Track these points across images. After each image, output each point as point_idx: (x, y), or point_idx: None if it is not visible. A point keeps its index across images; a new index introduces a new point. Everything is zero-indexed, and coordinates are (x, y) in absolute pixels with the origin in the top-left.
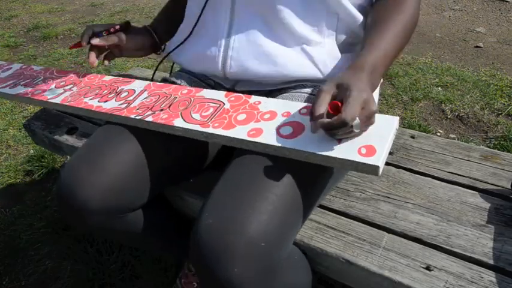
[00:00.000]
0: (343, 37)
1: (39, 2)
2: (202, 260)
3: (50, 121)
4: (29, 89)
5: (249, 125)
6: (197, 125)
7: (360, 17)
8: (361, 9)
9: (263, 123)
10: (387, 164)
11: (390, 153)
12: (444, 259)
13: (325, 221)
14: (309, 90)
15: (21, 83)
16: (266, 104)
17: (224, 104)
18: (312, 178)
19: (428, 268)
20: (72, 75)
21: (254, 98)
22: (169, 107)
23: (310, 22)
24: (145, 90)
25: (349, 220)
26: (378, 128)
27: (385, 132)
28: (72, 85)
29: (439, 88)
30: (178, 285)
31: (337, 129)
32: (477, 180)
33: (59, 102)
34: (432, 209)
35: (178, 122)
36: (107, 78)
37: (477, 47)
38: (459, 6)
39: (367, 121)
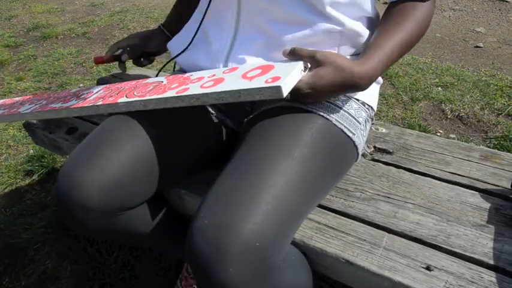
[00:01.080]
0: (345, 50)
1: (39, 2)
2: (198, 260)
3: (50, 121)
4: (6, 111)
5: (179, 88)
6: (137, 98)
7: (364, 32)
8: (367, 21)
9: (191, 84)
10: (387, 164)
11: (390, 153)
12: (444, 259)
13: (325, 221)
14: None
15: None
16: (197, 74)
17: (162, 82)
18: (310, 178)
19: (428, 268)
20: (45, 96)
21: (188, 74)
22: (117, 93)
23: (312, 42)
24: (102, 89)
25: (349, 220)
26: (284, 67)
27: (290, 68)
28: (43, 100)
29: (439, 88)
30: (179, 287)
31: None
32: (477, 180)
33: (28, 112)
34: (432, 209)
35: (122, 100)
36: (73, 90)
37: (477, 47)
38: (459, 6)
39: (302, 93)
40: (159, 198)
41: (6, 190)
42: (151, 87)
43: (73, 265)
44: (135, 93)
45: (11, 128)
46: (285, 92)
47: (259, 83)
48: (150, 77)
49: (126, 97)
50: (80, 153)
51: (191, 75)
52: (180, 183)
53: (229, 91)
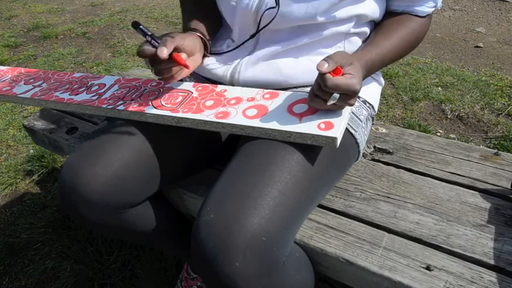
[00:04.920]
0: (350, 48)
1: (39, 2)
2: (203, 254)
3: (50, 121)
4: None
5: (217, 109)
6: (167, 111)
7: (367, 34)
8: (370, 25)
9: (229, 107)
10: (387, 164)
11: (390, 153)
12: (444, 259)
13: (325, 221)
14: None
15: None
16: (231, 91)
17: (192, 92)
18: (314, 175)
19: (428, 268)
20: (40, 73)
21: (220, 87)
22: (139, 97)
23: (323, 45)
24: (116, 83)
25: (349, 220)
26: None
27: (340, 112)
28: (41, 81)
29: (439, 88)
30: (179, 287)
31: (319, 85)
32: (477, 180)
33: (28, 97)
34: (432, 209)
35: (149, 109)
36: (77, 74)
37: (477, 47)
38: (459, 6)
39: (339, 106)
40: (161, 198)
41: (6, 190)
42: (181, 97)
43: (73, 265)
44: (162, 103)
45: (11, 128)
46: (339, 143)
47: (312, 127)
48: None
49: (153, 106)
50: (83, 150)
51: (225, 90)
52: (180, 183)
53: (279, 130)
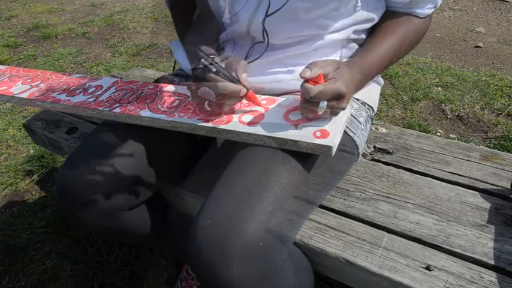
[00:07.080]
0: (348, 55)
1: (39, 2)
2: (201, 260)
3: (50, 121)
4: None
5: (211, 113)
6: (164, 115)
7: (363, 38)
8: (366, 31)
9: (226, 112)
10: (387, 164)
11: (390, 153)
12: (444, 259)
13: (325, 221)
14: None
15: None
16: None
17: (189, 97)
18: (312, 178)
19: (428, 268)
20: (39, 73)
21: None
22: (136, 100)
23: (320, 53)
24: (113, 86)
25: (349, 220)
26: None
27: (338, 118)
28: (39, 82)
29: (439, 88)
30: (179, 287)
31: (304, 96)
32: (477, 180)
33: (25, 97)
34: (432, 209)
35: (145, 113)
36: (75, 76)
37: (477, 47)
38: (459, 6)
39: (332, 112)
40: (159, 199)
41: (6, 190)
42: (177, 101)
43: (73, 265)
44: (159, 107)
45: (11, 128)
46: (334, 152)
47: (308, 135)
48: (165, 84)
49: (150, 110)
50: (81, 153)
51: None
52: (180, 183)
53: (274, 137)
